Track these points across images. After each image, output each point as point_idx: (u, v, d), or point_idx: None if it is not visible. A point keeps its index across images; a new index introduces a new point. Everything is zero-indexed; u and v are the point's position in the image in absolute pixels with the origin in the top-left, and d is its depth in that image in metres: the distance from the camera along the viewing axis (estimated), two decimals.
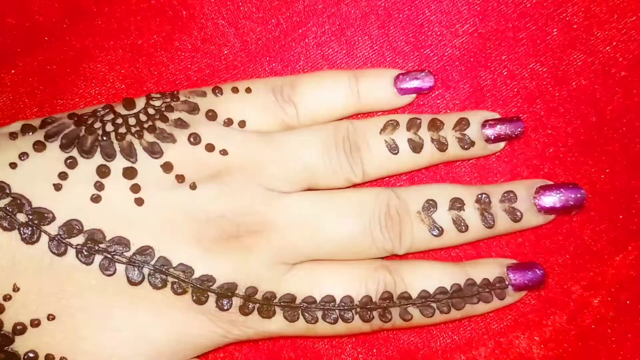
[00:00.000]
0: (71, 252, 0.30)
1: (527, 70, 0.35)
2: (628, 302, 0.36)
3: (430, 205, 0.33)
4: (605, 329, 0.36)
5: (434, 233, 0.33)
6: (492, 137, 0.34)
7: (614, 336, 0.36)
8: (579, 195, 0.33)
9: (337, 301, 0.32)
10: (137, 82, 0.36)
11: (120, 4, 0.36)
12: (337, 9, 0.36)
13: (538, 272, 0.34)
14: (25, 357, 0.30)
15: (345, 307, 0.32)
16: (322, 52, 0.36)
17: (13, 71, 0.36)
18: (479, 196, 0.33)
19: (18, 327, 0.29)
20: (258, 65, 0.36)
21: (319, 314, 0.32)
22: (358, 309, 0.32)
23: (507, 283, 0.34)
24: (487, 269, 0.34)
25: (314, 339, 0.36)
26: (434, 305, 0.33)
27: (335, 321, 0.32)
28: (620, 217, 0.36)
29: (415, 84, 0.34)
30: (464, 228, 0.33)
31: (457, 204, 0.33)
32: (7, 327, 0.29)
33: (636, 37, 0.35)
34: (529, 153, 0.36)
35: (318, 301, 0.32)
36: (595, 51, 0.35)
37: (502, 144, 0.34)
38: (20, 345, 0.30)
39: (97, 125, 0.32)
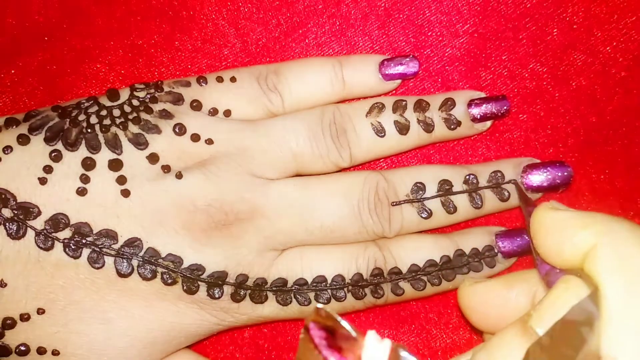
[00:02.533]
0: (58, 246, 0.29)
1: (527, 70, 0.34)
2: None
3: (419, 188, 0.32)
4: None
5: (423, 215, 0.32)
6: (479, 116, 0.33)
7: None
8: (565, 173, 0.33)
9: (329, 281, 0.32)
10: (137, 82, 0.36)
11: (121, 4, 0.35)
12: (337, 10, 0.35)
13: (527, 237, 0.33)
14: (17, 350, 0.29)
15: (337, 286, 0.32)
16: (322, 53, 0.35)
17: (13, 71, 0.35)
18: (467, 177, 0.33)
19: (7, 322, 0.29)
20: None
21: (312, 295, 0.32)
22: (350, 287, 0.32)
23: (496, 251, 0.33)
24: (476, 238, 0.33)
25: None
26: (424, 278, 0.32)
27: (328, 301, 0.32)
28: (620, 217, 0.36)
29: (400, 69, 0.33)
30: (452, 209, 0.32)
31: (445, 185, 0.32)
32: None
33: (636, 37, 0.34)
34: (529, 153, 0.34)
35: (310, 282, 0.32)
36: (595, 51, 0.34)
37: (488, 123, 0.33)
38: (11, 339, 0.29)
39: (82, 117, 0.31)
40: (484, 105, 0.33)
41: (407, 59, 0.33)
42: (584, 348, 0.19)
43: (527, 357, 0.21)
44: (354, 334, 0.19)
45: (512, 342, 0.22)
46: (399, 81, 0.34)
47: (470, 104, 0.33)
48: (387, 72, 0.33)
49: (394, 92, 0.35)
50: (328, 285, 0.32)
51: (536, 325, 0.22)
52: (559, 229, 0.24)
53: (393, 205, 0.32)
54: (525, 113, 0.35)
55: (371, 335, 0.19)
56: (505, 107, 0.33)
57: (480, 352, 0.23)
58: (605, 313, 0.20)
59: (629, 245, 0.21)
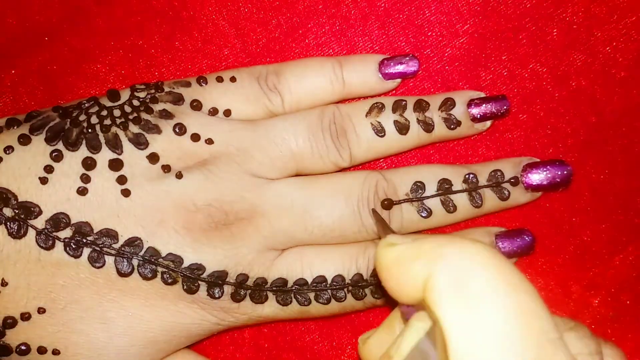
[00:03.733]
0: (59, 245, 0.29)
1: (527, 70, 0.34)
2: (628, 302, 0.35)
3: (419, 187, 0.32)
4: (605, 329, 0.35)
5: (423, 214, 0.32)
6: (478, 116, 0.33)
7: (614, 336, 0.35)
8: (565, 172, 0.33)
9: (329, 281, 0.32)
10: (137, 82, 0.36)
11: (121, 4, 0.35)
12: (337, 10, 0.35)
13: (527, 238, 0.33)
14: (17, 349, 0.29)
15: (337, 287, 0.32)
16: (322, 53, 0.35)
17: (13, 71, 0.35)
18: (467, 176, 0.32)
19: (8, 321, 0.29)
20: None
21: (312, 295, 0.31)
22: (350, 287, 0.32)
23: None
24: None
25: (314, 339, 0.36)
26: None
27: (328, 301, 0.32)
28: (620, 217, 0.35)
29: (399, 68, 0.33)
30: (452, 209, 0.32)
31: (445, 184, 0.32)
32: None
33: (636, 38, 0.34)
34: (528, 153, 0.34)
35: (310, 283, 0.31)
36: (595, 51, 0.34)
37: (488, 123, 0.33)
38: (12, 338, 0.29)
39: (82, 117, 0.31)
40: (484, 105, 0.33)
41: (407, 58, 0.33)
42: None
43: None
44: None
45: None
46: (398, 80, 0.34)
47: (470, 103, 0.33)
48: (387, 72, 0.33)
49: (394, 91, 0.34)
50: (328, 285, 0.32)
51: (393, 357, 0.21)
52: (396, 266, 0.22)
53: (394, 204, 0.32)
54: (525, 113, 0.35)
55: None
56: (505, 107, 0.33)
57: None
58: (449, 346, 0.19)
59: (464, 269, 0.20)
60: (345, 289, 0.32)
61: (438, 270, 0.20)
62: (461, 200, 0.32)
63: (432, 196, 0.32)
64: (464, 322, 0.19)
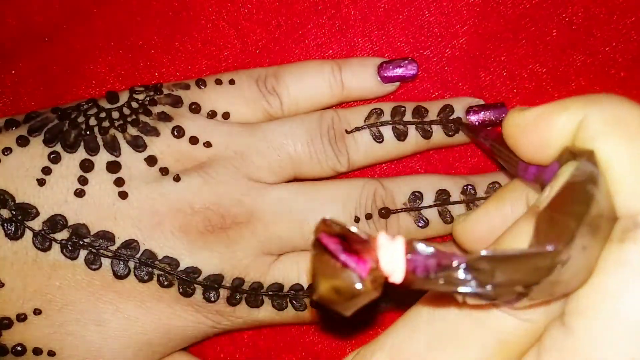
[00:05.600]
0: (56, 247, 0.29)
1: (527, 70, 0.34)
2: None
3: (417, 197, 0.32)
4: None
5: (420, 224, 0.32)
6: (477, 123, 0.33)
7: None
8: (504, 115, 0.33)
9: None
10: (137, 83, 0.35)
11: (121, 5, 0.35)
12: (337, 11, 0.35)
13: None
14: (13, 350, 0.29)
15: None
16: (322, 54, 0.35)
17: (13, 71, 0.35)
18: (465, 187, 0.32)
19: (4, 322, 0.29)
20: (258, 67, 0.35)
21: (307, 300, 0.31)
22: None
23: None
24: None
25: (314, 339, 0.36)
26: None
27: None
28: None
29: (398, 71, 0.33)
30: (449, 219, 0.32)
31: (443, 195, 0.32)
32: None
33: (635, 38, 0.33)
34: None
35: (305, 288, 0.31)
36: (595, 52, 0.34)
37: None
38: (8, 338, 0.29)
39: (81, 119, 0.31)
40: (482, 113, 0.33)
41: (406, 62, 0.33)
42: (592, 204, 0.18)
43: (537, 230, 0.19)
44: (364, 236, 0.18)
45: (521, 224, 0.21)
46: (397, 84, 0.33)
47: (469, 110, 0.33)
48: (385, 75, 0.33)
49: (393, 93, 0.34)
50: None
51: (542, 203, 0.20)
52: (538, 122, 0.22)
53: (392, 213, 0.32)
54: None
55: (382, 235, 0.18)
56: (503, 115, 0.33)
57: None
58: (612, 172, 0.19)
59: (619, 108, 0.20)
60: None
61: (592, 111, 0.20)
62: (459, 212, 0.32)
63: (430, 206, 0.32)
64: (624, 149, 0.19)
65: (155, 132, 0.30)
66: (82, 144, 0.30)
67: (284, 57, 0.35)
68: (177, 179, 0.30)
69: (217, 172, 0.31)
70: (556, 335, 0.19)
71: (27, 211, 0.29)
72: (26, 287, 0.29)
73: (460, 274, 0.17)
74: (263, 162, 0.31)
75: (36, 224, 0.29)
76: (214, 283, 0.30)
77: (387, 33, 0.35)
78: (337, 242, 0.18)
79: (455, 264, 0.17)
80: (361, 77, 0.33)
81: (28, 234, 0.29)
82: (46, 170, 0.29)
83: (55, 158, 0.29)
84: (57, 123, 0.30)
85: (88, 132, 0.30)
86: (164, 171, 0.30)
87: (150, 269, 0.29)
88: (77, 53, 0.35)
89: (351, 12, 0.34)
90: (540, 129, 0.22)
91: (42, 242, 0.29)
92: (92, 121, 0.31)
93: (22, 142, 0.30)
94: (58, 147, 0.30)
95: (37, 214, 0.29)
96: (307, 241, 0.31)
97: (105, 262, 0.29)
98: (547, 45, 0.34)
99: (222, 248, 0.30)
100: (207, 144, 0.31)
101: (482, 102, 0.33)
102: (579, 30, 0.34)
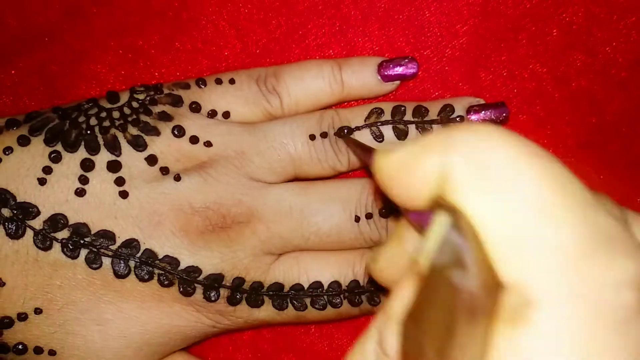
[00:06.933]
0: (56, 246, 0.29)
1: (527, 70, 0.34)
2: None
3: None
4: None
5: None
6: (478, 122, 0.32)
7: None
8: (504, 115, 0.32)
9: (325, 287, 0.31)
10: (137, 83, 0.35)
11: (120, 4, 0.34)
12: (337, 11, 0.34)
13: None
14: (14, 349, 0.29)
15: (334, 293, 0.31)
16: (322, 53, 0.34)
17: (13, 71, 0.35)
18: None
19: (5, 321, 0.29)
20: (258, 67, 0.35)
21: (308, 300, 0.31)
22: (346, 294, 0.32)
23: None
24: None
25: (313, 340, 0.35)
26: None
27: (324, 307, 0.31)
28: None
29: (399, 70, 0.33)
30: None
31: None
32: None
33: (636, 38, 0.33)
34: None
35: (306, 288, 0.31)
36: (595, 52, 0.34)
37: None
38: (9, 337, 0.29)
39: (82, 119, 0.31)
40: (483, 112, 0.33)
41: (406, 60, 0.33)
42: (459, 298, 0.16)
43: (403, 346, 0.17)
44: None
45: (404, 292, 0.18)
46: (397, 83, 0.33)
47: (470, 110, 0.33)
48: (386, 74, 0.33)
49: (393, 93, 0.34)
50: (324, 291, 0.31)
51: (421, 258, 0.18)
52: (403, 168, 0.19)
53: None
54: (525, 113, 0.34)
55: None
56: (504, 114, 0.33)
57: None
58: (483, 232, 0.16)
59: (481, 150, 0.17)
60: (342, 295, 0.32)
61: (453, 158, 0.17)
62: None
63: None
64: (495, 204, 0.16)
65: (155, 132, 0.30)
66: (82, 143, 0.30)
67: (284, 57, 0.35)
68: (177, 178, 0.30)
69: (218, 171, 0.31)
70: None
71: (27, 210, 0.29)
72: (27, 287, 0.29)
73: None
74: (263, 162, 0.31)
75: (37, 223, 0.29)
76: (214, 282, 0.30)
77: (387, 33, 0.34)
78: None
79: None
80: (361, 75, 0.33)
81: (29, 233, 0.29)
82: (47, 170, 0.29)
83: (56, 157, 0.29)
84: (57, 123, 0.30)
85: (89, 132, 0.30)
86: (165, 170, 0.30)
87: (150, 269, 0.29)
88: (77, 53, 0.35)
89: (351, 12, 0.34)
90: (405, 177, 0.19)
91: (43, 241, 0.29)
92: (93, 121, 0.31)
93: (23, 141, 0.30)
94: (59, 147, 0.30)
95: (38, 213, 0.29)
96: (307, 241, 0.31)
97: (106, 261, 0.29)
98: (548, 45, 0.34)
99: (223, 247, 0.30)
100: (208, 144, 0.31)
101: (482, 101, 0.33)
102: (579, 30, 0.34)
